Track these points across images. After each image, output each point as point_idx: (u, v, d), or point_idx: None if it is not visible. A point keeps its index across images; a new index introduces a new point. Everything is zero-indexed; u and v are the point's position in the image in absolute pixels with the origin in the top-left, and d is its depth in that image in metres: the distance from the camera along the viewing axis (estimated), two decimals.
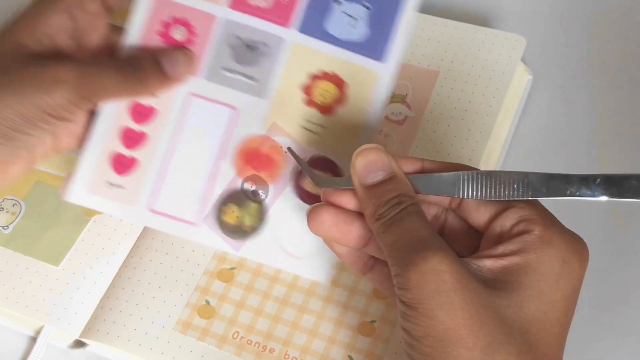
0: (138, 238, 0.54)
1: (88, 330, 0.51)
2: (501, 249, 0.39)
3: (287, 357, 0.48)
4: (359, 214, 0.42)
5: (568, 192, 0.40)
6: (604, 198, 0.40)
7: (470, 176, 0.41)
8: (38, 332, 0.52)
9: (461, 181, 0.41)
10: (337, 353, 0.48)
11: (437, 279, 0.37)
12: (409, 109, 0.58)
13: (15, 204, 0.56)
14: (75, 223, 0.55)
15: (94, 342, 0.51)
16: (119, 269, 0.53)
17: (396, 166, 0.41)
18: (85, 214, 0.55)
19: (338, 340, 0.49)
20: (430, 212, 0.44)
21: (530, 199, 0.40)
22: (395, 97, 0.59)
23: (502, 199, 0.40)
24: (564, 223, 0.41)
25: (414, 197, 0.41)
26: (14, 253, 0.54)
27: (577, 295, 0.40)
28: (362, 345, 0.49)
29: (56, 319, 0.51)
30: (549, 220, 0.40)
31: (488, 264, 0.39)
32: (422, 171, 0.43)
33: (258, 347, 0.49)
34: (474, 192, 0.41)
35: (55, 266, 0.53)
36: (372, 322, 0.50)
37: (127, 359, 0.51)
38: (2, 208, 0.56)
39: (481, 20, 0.66)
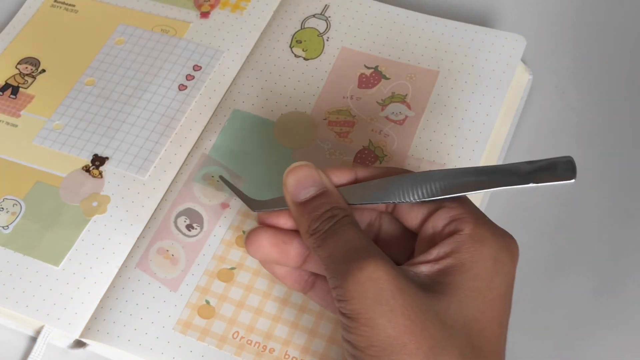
0: (138, 238, 0.54)
1: (88, 330, 0.51)
2: (435, 252, 0.40)
3: (287, 356, 0.48)
4: (297, 233, 0.43)
5: (497, 183, 0.41)
6: (532, 185, 0.40)
7: (398, 181, 0.42)
8: (38, 332, 0.52)
9: (391, 187, 0.42)
10: (337, 353, 0.48)
11: (375, 287, 0.37)
12: (409, 108, 0.58)
13: (16, 204, 0.56)
14: (75, 223, 0.55)
15: (94, 342, 0.51)
16: (119, 269, 0.53)
17: (327, 181, 0.42)
18: (86, 214, 0.55)
19: (338, 340, 0.49)
20: (365, 219, 0.44)
21: (460, 198, 0.41)
22: (396, 97, 0.59)
23: (430, 199, 0.41)
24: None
25: (346, 208, 0.41)
26: (14, 253, 0.54)
27: (511, 292, 0.41)
28: None
29: (56, 319, 0.51)
30: (478, 218, 0.41)
31: (424, 269, 0.40)
32: (355, 181, 0.43)
33: (258, 347, 0.49)
34: (403, 196, 0.42)
35: (55, 266, 0.53)
36: None
37: (127, 359, 0.51)
38: (2, 208, 0.56)
39: (481, 20, 0.66)
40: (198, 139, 0.58)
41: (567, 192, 0.57)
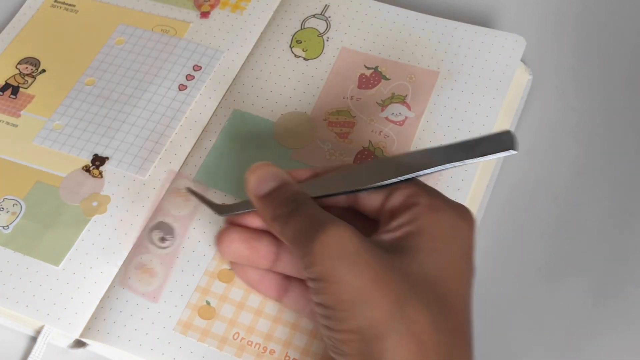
0: (138, 238, 0.54)
1: (88, 330, 0.51)
2: (395, 223, 0.42)
3: (287, 358, 0.48)
4: (266, 231, 0.45)
5: (445, 161, 0.43)
6: (478, 159, 0.43)
7: (354, 170, 0.45)
8: (38, 332, 0.52)
9: (348, 177, 0.45)
10: None
11: (340, 246, 0.39)
12: (409, 109, 0.58)
13: (16, 204, 0.56)
14: (75, 223, 0.55)
15: (95, 342, 0.51)
16: (119, 269, 0.53)
17: (287, 175, 0.45)
18: (86, 214, 0.55)
19: None
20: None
21: (414, 180, 0.44)
22: (395, 98, 0.59)
23: (385, 182, 0.44)
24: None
25: (307, 194, 0.44)
26: (14, 253, 0.54)
27: (471, 256, 0.43)
28: None
29: (56, 318, 0.51)
30: (433, 193, 0.44)
31: (386, 237, 0.42)
32: (315, 177, 0.46)
33: (259, 349, 0.49)
34: (361, 184, 0.44)
35: (55, 266, 0.53)
36: None
37: (128, 359, 0.51)
38: (2, 208, 0.56)
39: (481, 20, 0.66)
40: (198, 139, 0.58)
41: (567, 192, 0.57)
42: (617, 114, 0.61)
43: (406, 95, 0.59)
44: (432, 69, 0.60)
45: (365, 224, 0.45)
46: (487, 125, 0.57)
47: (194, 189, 0.52)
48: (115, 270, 0.53)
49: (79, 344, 0.52)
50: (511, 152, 0.42)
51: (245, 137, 0.58)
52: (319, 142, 0.57)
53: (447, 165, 0.43)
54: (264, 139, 0.58)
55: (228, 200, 0.55)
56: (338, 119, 0.58)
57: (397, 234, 0.42)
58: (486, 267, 0.54)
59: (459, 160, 0.43)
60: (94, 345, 0.51)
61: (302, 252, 0.41)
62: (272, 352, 0.49)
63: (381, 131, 0.57)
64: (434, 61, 0.60)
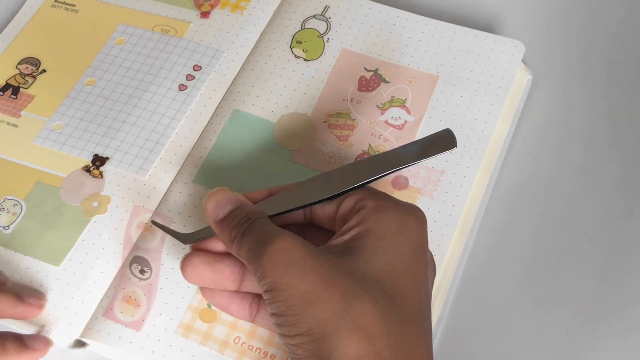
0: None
1: (89, 330, 0.51)
2: (344, 227, 0.44)
3: None
4: (229, 253, 0.47)
5: (391, 167, 0.47)
6: (422, 161, 0.47)
7: (305, 185, 0.47)
8: (39, 332, 0.52)
9: (300, 193, 0.47)
10: None
11: (287, 256, 0.41)
12: (408, 113, 0.59)
13: (16, 204, 0.56)
14: (75, 223, 0.55)
15: (95, 342, 0.51)
16: (120, 269, 0.53)
17: (242, 197, 0.47)
18: (86, 214, 0.55)
19: None
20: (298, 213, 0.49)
21: (363, 186, 0.46)
22: (395, 101, 0.59)
23: (336, 193, 0.46)
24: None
25: (261, 212, 0.46)
26: (14, 253, 0.54)
27: (422, 250, 0.44)
28: None
29: (57, 318, 0.52)
30: (380, 195, 0.46)
31: (336, 242, 0.44)
32: (270, 195, 0.48)
33: (259, 353, 0.49)
34: (312, 197, 0.47)
35: (56, 266, 0.53)
36: None
37: None
38: (3, 208, 0.56)
39: (481, 20, 0.66)
40: (198, 139, 0.59)
41: (567, 192, 0.58)
42: (617, 114, 0.61)
43: (406, 99, 0.59)
44: (431, 73, 0.60)
45: (325, 236, 0.47)
46: (487, 131, 0.57)
47: (158, 221, 0.53)
48: (116, 270, 0.53)
49: (79, 344, 0.52)
50: (453, 149, 0.46)
51: (245, 138, 0.58)
52: (319, 145, 0.58)
53: (393, 170, 0.47)
54: (264, 140, 0.58)
55: None
56: (338, 121, 0.59)
57: (346, 237, 0.44)
58: (486, 267, 0.55)
59: (406, 164, 0.47)
60: (94, 346, 0.52)
61: (255, 268, 0.42)
62: (272, 357, 0.49)
63: (381, 135, 0.58)
64: (434, 65, 0.61)
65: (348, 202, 0.46)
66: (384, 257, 0.42)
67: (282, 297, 0.41)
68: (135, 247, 0.54)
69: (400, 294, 0.42)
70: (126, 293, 0.52)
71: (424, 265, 0.44)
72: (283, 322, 0.41)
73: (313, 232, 0.49)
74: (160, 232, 0.53)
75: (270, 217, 0.46)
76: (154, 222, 0.52)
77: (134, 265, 0.53)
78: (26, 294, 0.51)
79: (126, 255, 0.54)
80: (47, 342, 0.51)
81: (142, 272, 0.52)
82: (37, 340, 0.50)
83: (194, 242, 0.49)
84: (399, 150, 0.47)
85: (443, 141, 0.47)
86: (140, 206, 0.54)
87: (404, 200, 0.54)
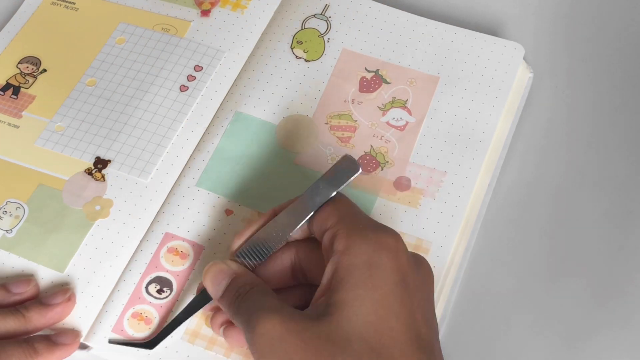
0: (141, 241, 0.55)
1: (93, 334, 0.51)
2: (324, 279, 0.44)
3: None
4: None
5: (310, 209, 0.47)
6: (336, 192, 0.47)
7: (279, 219, 0.48)
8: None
9: (275, 228, 0.48)
10: None
11: (268, 341, 0.42)
12: (409, 114, 0.59)
13: (19, 207, 0.56)
14: (78, 227, 0.55)
15: (99, 346, 0.51)
16: (122, 273, 0.53)
17: (235, 267, 0.48)
18: (89, 218, 0.55)
19: None
20: (285, 259, 0.49)
21: (335, 199, 0.47)
22: (396, 102, 0.59)
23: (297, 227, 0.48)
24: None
25: (252, 281, 0.47)
26: (18, 258, 0.54)
27: (402, 281, 0.43)
28: None
29: (60, 323, 0.52)
30: (350, 225, 0.45)
31: (319, 301, 0.44)
32: (275, 214, 0.49)
33: None
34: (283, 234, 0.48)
35: (60, 272, 0.53)
36: None
37: None
38: (6, 211, 0.56)
39: (482, 20, 0.66)
40: (200, 141, 0.58)
41: (567, 192, 0.58)
42: (618, 113, 0.62)
43: (407, 100, 0.59)
44: (432, 74, 0.60)
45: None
46: (488, 131, 0.58)
47: (115, 339, 0.52)
48: (119, 273, 0.53)
49: (82, 346, 0.52)
50: (359, 172, 0.48)
51: (247, 141, 0.58)
52: (322, 147, 0.58)
53: (309, 216, 0.47)
54: (266, 142, 0.58)
55: (232, 205, 0.55)
56: (340, 123, 0.59)
57: (325, 296, 0.43)
58: (488, 266, 0.55)
59: (329, 196, 0.47)
60: (98, 349, 0.51)
61: (246, 337, 0.44)
62: None
63: (382, 136, 0.58)
64: (434, 66, 0.61)
65: (325, 238, 0.46)
66: (363, 308, 0.42)
67: None
68: (160, 267, 0.53)
69: (387, 342, 0.41)
70: (136, 311, 0.52)
71: (409, 295, 0.43)
72: None
73: (312, 249, 0.49)
74: (190, 258, 0.54)
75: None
76: (111, 341, 0.52)
77: (152, 285, 0.53)
78: (51, 298, 0.52)
79: (143, 272, 0.54)
80: (76, 335, 0.51)
81: (159, 291, 0.52)
82: (65, 336, 0.50)
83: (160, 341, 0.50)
84: (312, 192, 0.48)
85: (348, 168, 0.48)
86: (172, 234, 0.55)
87: (406, 200, 0.55)
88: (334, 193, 0.47)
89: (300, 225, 0.47)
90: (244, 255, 0.48)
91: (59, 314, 0.51)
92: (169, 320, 0.51)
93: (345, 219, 0.46)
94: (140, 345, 0.50)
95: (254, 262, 0.48)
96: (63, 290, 0.52)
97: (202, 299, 0.49)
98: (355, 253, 0.43)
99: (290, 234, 0.48)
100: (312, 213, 0.47)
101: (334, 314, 0.42)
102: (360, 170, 0.47)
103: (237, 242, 0.49)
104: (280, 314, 0.43)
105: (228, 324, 0.48)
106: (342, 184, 0.47)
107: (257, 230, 0.49)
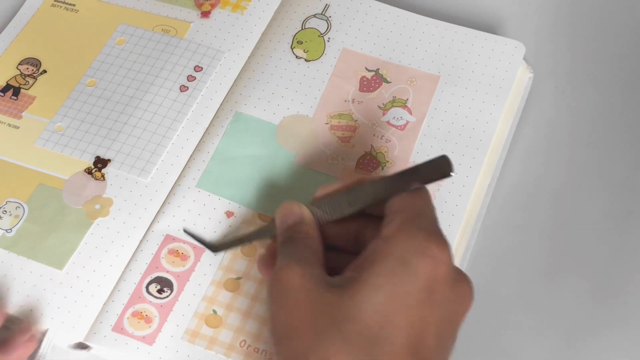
0: (141, 241, 0.55)
1: (94, 334, 0.51)
2: (360, 256, 0.44)
3: None
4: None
5: (391, 193, 0.47)
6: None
7: (357, 189, 0.49)
8: (43, 335, 0.52)
9: (333, 201, 0.49)
10: None
11: (281, 287, 0.43)
12: (410, 113, 0.59)
13: (19, 207, 0.56)
14: (78, 226, 0.55)
15: (99, 346, 0.51)
16: (123, 272, 0.53)
17: (306, 212, 0.49)
18: (89, 217, 0.55)
19: None
20: (353, 226, 0.49)
21: (417, 189, 0.47)
22: (397, 101, 0.59)
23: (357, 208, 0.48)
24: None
25: (309, 233, 0.48)
26: (17, 257, 0.54)
27: (429, 292, 0.42)
28: None
29: (60, 322, 0.52)
30: (409, 218, 0.44)
31: (348, 273, 0.44)
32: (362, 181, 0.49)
33: (265, 355, 0.49)
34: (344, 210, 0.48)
35: (59, 270, 0.53)
36: None
37: None
38: (6, 211, 0.56)
39: (482, 20, 0.66)
40: (200, 141, 0.58)
41: (567, 192, 0.58)
42: (618, 113, 0.62)
43: (407, 99, 0.59)
44: (432, 73, 0.60)
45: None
46: (488, 131, 0.57)
47: (190, 230, 0.55)
48: (119, 273, 0.53)
49: (82, 345, 0.52)
50: (452, 175, 0.47)
51: (247, 141, 0.58)
52: (322, 147, 0.58)
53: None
54: (266, 142, 0.58)
55: (232, 207, 0.55)
56: (340, 123, 0.59)
57: (353, 271, 0.43)
58: (486, 267, 0.55)
59: (411, 188, 0.46)
60: (98, 349, 0.51)
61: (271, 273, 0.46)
62: None
63: (383, 135, 0.58)
64: (435, 65, 0.61)
65: (385, 221, 0.45)
66: (377, 297, 0.41)
67: (270, 320, 0.44)
68: (161, 268, 0.54)
69: (385, 337, 0.41)
70: (136, 310, 0.52)
71: (430, 305, 0.42)
72: (271, 339, 0.44)
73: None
74: (190, 259, 0.54)
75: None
76: (185, 231, 0.54)
77: (152, 285, 0.53)
78: (11, 340, 0.51)
79: (143, 272, 0.54)
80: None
81: (160, 291, 0.52)
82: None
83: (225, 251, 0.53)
84: (397, 176, 0.48)
85: (441, 168, 0.47)
86: (172, 236, 0.55)
87: None
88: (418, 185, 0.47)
89: (372, 203, 0.48)
90: (319, 206, 0.49)
91: (19, 357, 0.50)
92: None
93: (410, 212, 0.45)
94: (206, 246, 0.53)
95: (325, 216, 0.49)
96: (22, 331, 0.51)
97: (270, 227, 0.50)
98: (395, 244, 0.43)
99: (362, 207, 0.48)
100: (388, 198, 0.47)
101: (349, 290, 0.42)
102: (452, 176, 0.47)
103: (321, 192, 0.50)
104: (304, 268, 0.44)
105: (267, 257, 0.50)
106: (429, 182, 0.47)
107: (341, 189, 0.49)
